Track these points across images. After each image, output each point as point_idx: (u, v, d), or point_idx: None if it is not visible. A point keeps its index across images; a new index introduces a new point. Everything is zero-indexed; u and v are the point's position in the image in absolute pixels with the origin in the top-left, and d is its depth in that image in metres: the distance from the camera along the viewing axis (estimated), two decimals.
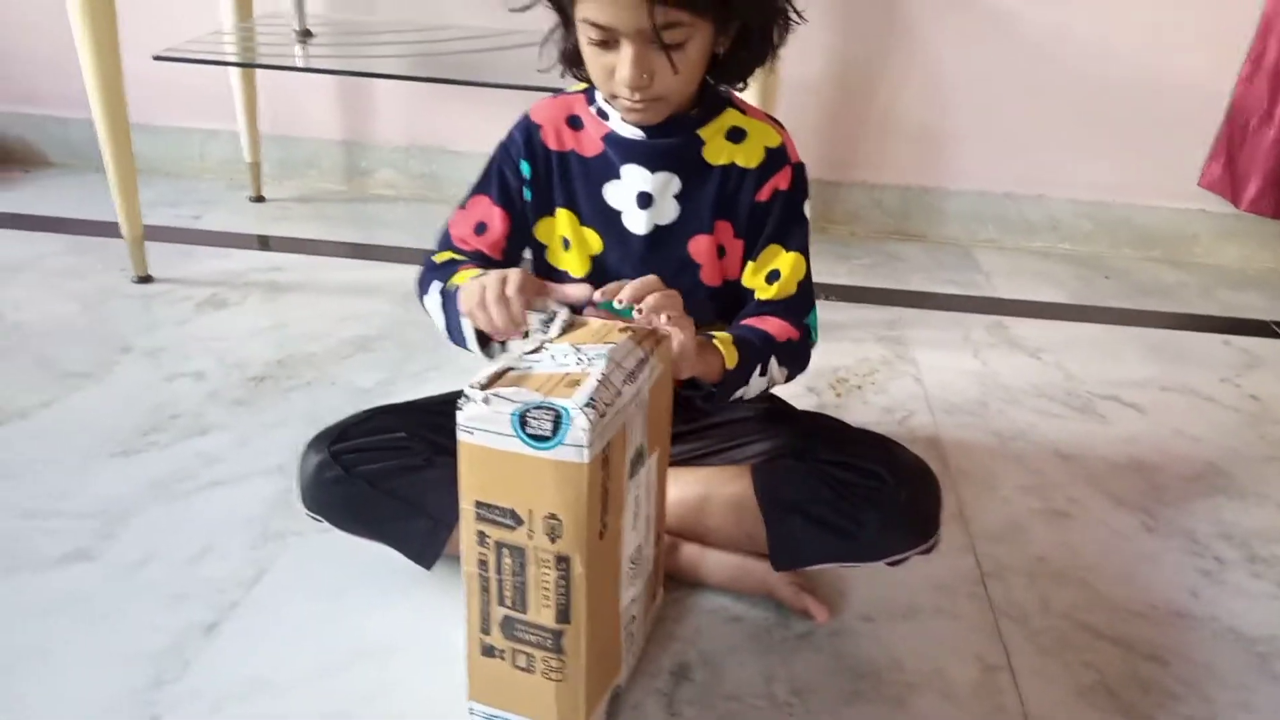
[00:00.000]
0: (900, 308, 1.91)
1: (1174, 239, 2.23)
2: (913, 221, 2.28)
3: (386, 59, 1.93)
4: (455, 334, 0.98)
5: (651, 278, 0.90)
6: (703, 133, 1.03)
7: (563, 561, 0.81)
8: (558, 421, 0.75)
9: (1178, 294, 2.07)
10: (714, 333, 0.97)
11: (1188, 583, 1.19)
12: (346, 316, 1.73)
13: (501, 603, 0.85)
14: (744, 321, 1.04)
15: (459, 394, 0.78)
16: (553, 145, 1.06)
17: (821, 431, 1.12)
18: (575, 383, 0.78)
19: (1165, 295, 2.06)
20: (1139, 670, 1.05)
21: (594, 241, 1.07)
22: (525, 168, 1.06)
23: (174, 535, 1.18)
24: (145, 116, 2.22)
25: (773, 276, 1.05)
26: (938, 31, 2.08)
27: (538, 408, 0.76)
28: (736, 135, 1.04)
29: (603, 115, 1.04)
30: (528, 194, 1.07)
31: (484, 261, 1.06)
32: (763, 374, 1.00)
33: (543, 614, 0.84)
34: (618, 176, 1.04)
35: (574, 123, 1.06)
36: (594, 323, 0.89)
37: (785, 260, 1.05)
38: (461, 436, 0.79)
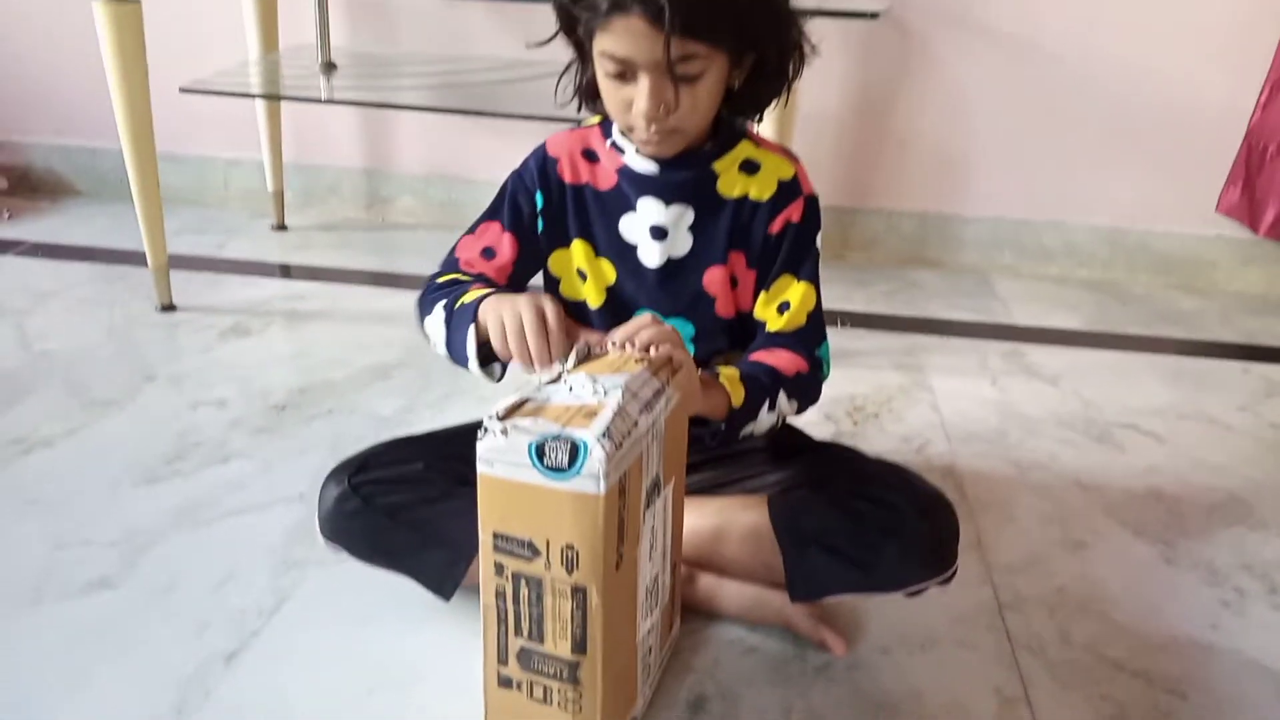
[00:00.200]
0: (917, 334, 1.92)
1: (1192, 265, 2.22)
2: (930, 248, 2.29)
3: (408, 90, 1.96)
4: (456, 350, 0.98)
5: (646, 316, 0.92)
6: (717, 166, 1.04)
7: (579, 592, 0.81)
8: (575, 452, 0.76)
9: (1196, 320, 2.07)
10: (720, 369, 0.98)
11: (1208, 614, 1.19)
12: (367, 344, 1.75)
13: (519, 634, 0.86)
14: (753, 355, 1.05)
15: (477, 424, 0.80)
16: (568, 178, 1.07)
17: (838, 461, 1.13)
18: (592, 414, 0.79)
19: (1183, 321, 2.06)
20: (1159, 703, 1.04)
21: (609, 272, 1.08)
22: (539, 199, 1.08)
23: (197, 563, 1.19)
24: (170, 146, 2.25)
25: (784, 307, 1.06)
26: (954, 59, 2.09)
27: (555, 438, 0.77)
28: (750, 168, 1.05)
29: (618, 149, 1.05)
30: (540, 225, 1.08)
31: (488, 286, 1.07)
32: (771, 409, 1.00)
33: (559, 645, 0.84)
34: (633, 209, 1.05)
35: (589, 156, 1.07)
36: (611, 353, 0.90)
37: (795, 291, 1.05)
38: (481, 468, 0.80)
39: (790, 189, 1.05)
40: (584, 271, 1.09)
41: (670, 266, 1.06)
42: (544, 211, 1.08)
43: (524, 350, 0.89)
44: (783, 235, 1.05)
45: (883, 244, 2.30)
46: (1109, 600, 1.20)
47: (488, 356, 0.96)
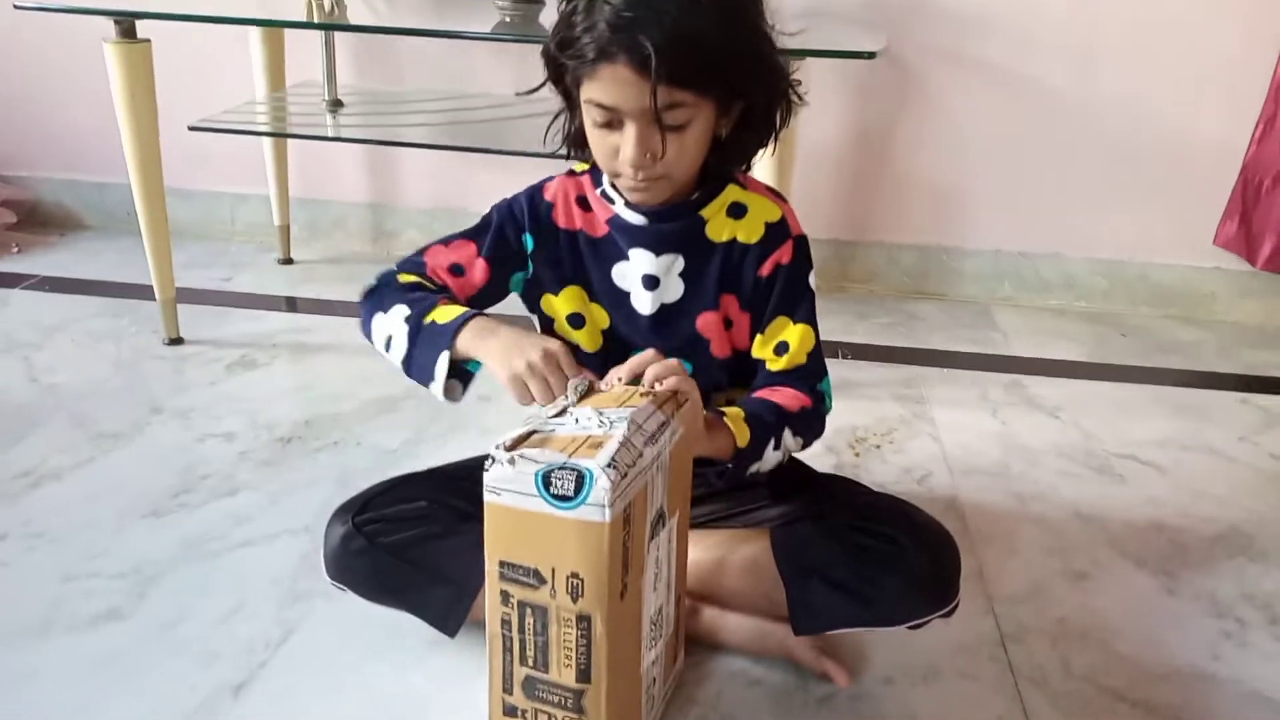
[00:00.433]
0: (918, 366, 1.93)
1: (1191, 297, 2.24)
2: (930, 281, 2.31)
3: (413, 127, 1.99)
4: (419, 367, 0.98)
5: (649, 352, 0.92)
6: (704, 212, 1.04)
7: (584, 621, 0.82)
8: (580, 481, 0.78)
9: (1195, 352, 2.08)
10: (725, 409, 0.98)
11: (1210, 645, 1.19)
12: (371, 377, 1.77)
13: (524, 662, 0.87)
14: (756, 394, 1.06)
15: (478, 460, 0.81)
16: (562, 223, 1.08)
17: (839, 495, 1.13)
18: (598, 444, 0.80)
19: (1182, 353, 2.07)
20: None
21: (602, 318, 1.09)
22: (529, 241, 1.08)
23: (204, 595, 1.20)
24: (178, 181, 2.28)
25: (781, 348, 1.06)
26: (952, 95, 2.13)
27: (561, 468, 0.78)
28: (737, 211, 1.05)
29: (608, 198, 1.05)
30: (530, 267, 1.09)
31: (453, 302, 1.05)
32: (776, 448, 1.01)
33: (564, 674, 0.85)
34: (625, 258, 1.06)
35: (582, 203, 1.08)
36: (616, 388, 0.91)
37: (793, 333, 1.06)
38: (488, 498, 0.81)
39: (778, 231, 1.05)
40: (581, 315, 1.10)
41: (663, 312, 1.07)
42: (534, 254, 1.08)
43: (542, 393, 0.90)
44: (774, 277, 1.05)
45: (883, 277, 2.32)
46: (1110, 631, 1.20)
47: (459, 378, 0.96)
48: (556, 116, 1.05)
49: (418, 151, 2.29)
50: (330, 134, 2.00)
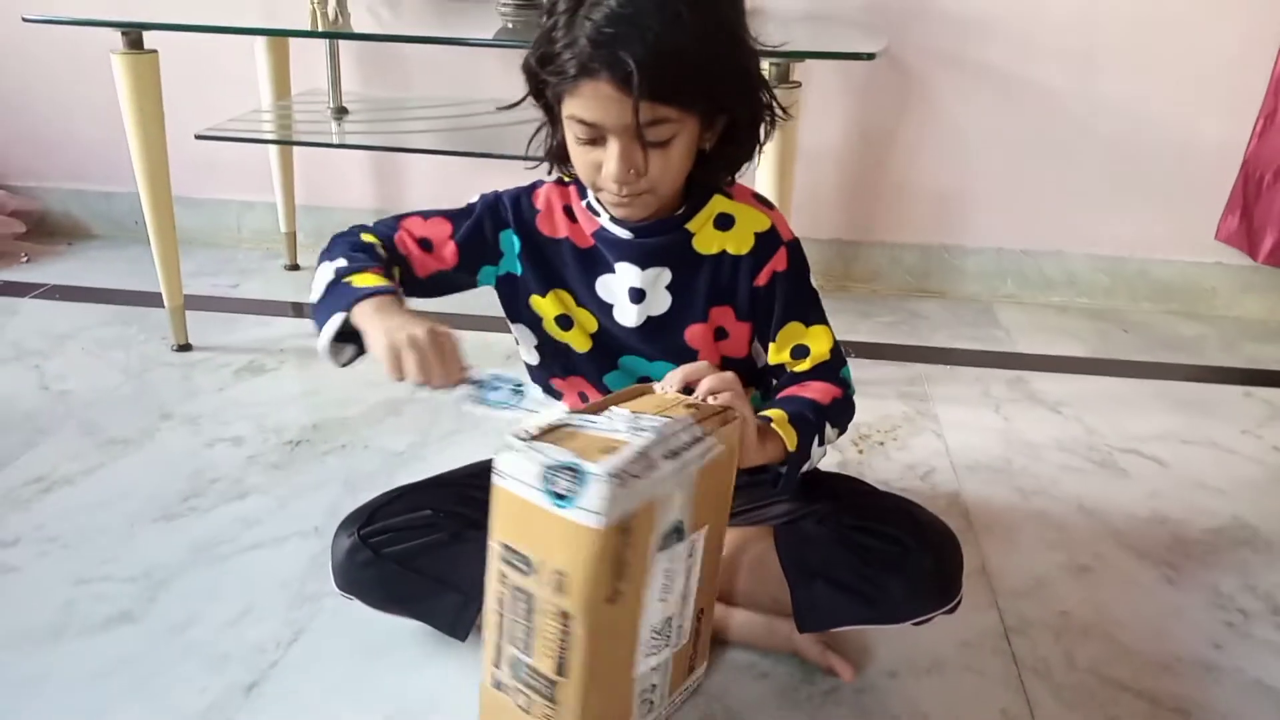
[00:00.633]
0: (922, 364, 1.94)
1: (1192, 292, 2.25)
2: (933, 279, 2.32)
3: (419, 134, 2.01)
4: (318, 319, 0.96)
5: (703, 363, 0.92)
6: (691, 225, 1.04)
7: (564, 617, 0.82)
8: (579, 483, 0.78)
9: (1197, 347, 2.09)
10: (769, 414, 0.97)
11: (1212, 636, 1.20)
12: (378, 381, 1.77)
13: (512, 643, 0.87)
14: (786, 392, 1.05)
15: (482, 466, 0.81)
16: (547, 231, 1.07)
17: (843, 494, 1.13)
18: (612, 449, 0.80)
19: (1185, 348, 2.08)
20: None
21: (589, 321, 1.09)
22: (515, 243, 1.07)
23: (214, 597, 1.21)
24: (185, 190, 2.30)
25: (799, 351, 1.06)
26: (952, 96, 2.14)
27: (565, 467, 0.78)
28: (724, 222, 1.04)
29: (593, 210, 1.05)
30: (517, 268, 1.08)
31: (405, 269, 1.05)
32: (820, 444, 1.01)
33: (544, 662, 0.86)
34: (611, 271, 1.06)
35: (569, 213, 1.07)
36: (669, 395, 0.91)
37: (813, 335, 1.05)
38: (495, 479, 0.82)
39: (769, 240, 1.05)
40: (569, 318, 1.09)
41: (650, 324, 1.07)
42: (520, 256, 1.08)
43: (418, 368, 0.87)
44: (772, 286, 1.05)
45: (885, 276, 2.33)
46: (1113, 623, 1.21)
47: (349, 340, 0.95)
48: (538, 130, 1.03)
49: (423, 157, 2.31)
50: (335, 141, 2.02)
